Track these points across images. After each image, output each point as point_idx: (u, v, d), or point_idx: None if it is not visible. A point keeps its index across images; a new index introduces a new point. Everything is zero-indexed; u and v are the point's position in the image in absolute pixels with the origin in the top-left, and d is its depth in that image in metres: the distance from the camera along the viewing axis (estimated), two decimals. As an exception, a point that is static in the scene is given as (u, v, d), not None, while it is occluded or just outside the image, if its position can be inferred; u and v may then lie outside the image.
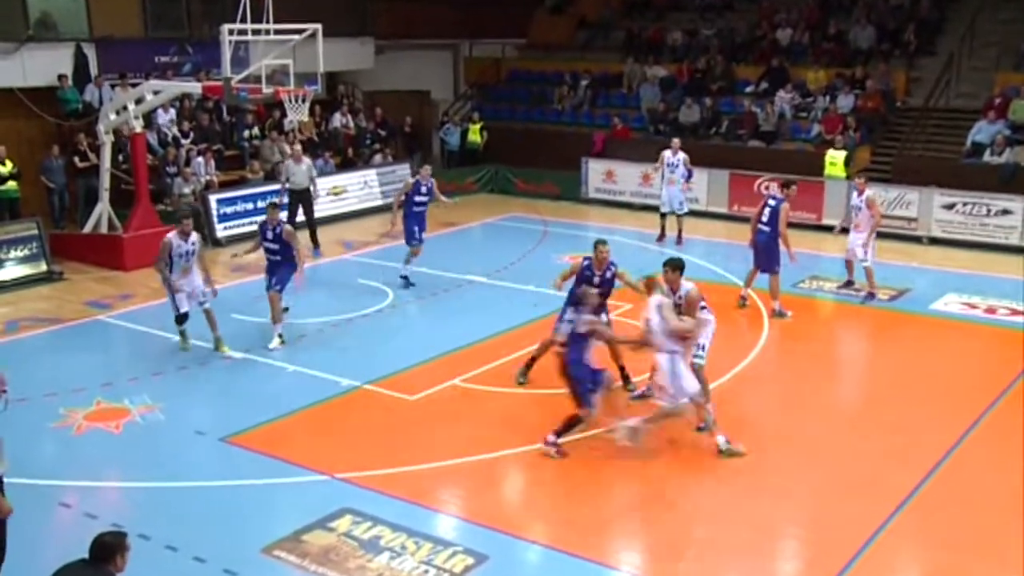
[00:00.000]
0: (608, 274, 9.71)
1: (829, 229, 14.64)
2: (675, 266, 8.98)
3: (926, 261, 15.98)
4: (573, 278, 9.92)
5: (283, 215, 13.70)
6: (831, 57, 21.79)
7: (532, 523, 7.77)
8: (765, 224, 12.76)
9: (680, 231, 16.92)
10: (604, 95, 23.61)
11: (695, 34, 24.03)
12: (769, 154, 19.91)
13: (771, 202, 12.86)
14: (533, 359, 10.31)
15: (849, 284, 13.96)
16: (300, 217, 16.38)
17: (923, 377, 10.62)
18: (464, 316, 12.89)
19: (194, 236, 11.21)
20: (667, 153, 16.81)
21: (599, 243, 9.80)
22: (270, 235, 11.52)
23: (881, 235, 16.84)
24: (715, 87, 22.00)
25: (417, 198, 13.90)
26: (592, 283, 9.61)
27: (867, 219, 13.32)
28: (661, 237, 17.09)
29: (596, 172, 20.51)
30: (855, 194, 13.51)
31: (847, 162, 17.93)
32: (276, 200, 13.41)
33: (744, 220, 18.06)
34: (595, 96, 23.57)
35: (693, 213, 18.67)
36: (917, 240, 17.14)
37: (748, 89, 21.80)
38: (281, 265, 11.49)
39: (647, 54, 23.90)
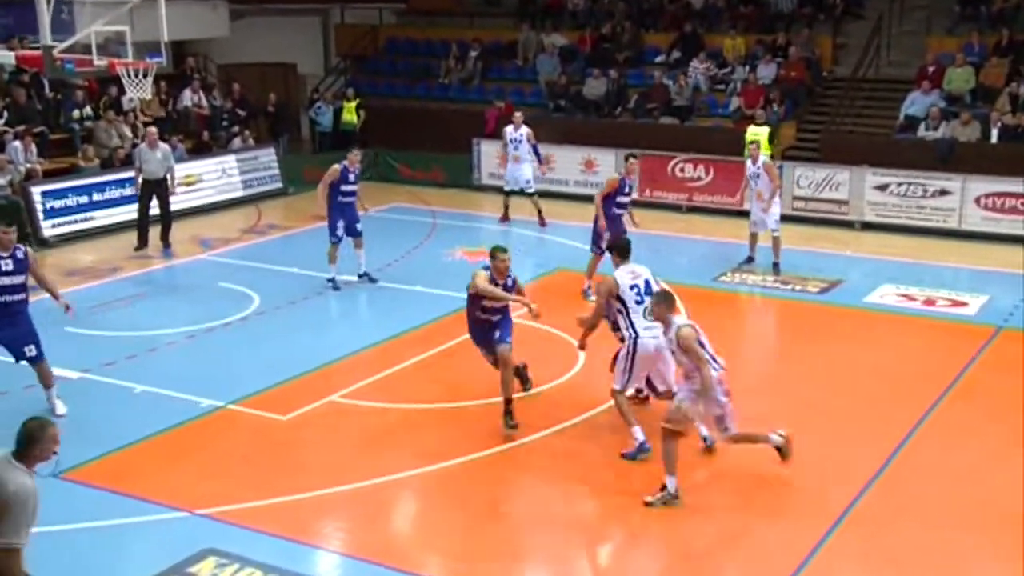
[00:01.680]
0: (509, 282, 9.74)
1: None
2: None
3: (859, 249, 16.64)
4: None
5: None
6: (749, 22, 22.46)
7: (427, 557, 7.77)
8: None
9: (540, 211, 17.59)
10: (497, 67, 23.77)
11: (598, -2, 24.43)
12: (683, 131, 20.39)
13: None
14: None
15: (750, 261, 14.96)
16: (154, 211, 15.99)
17: (858, 378, 11.03)
18: (342, 322, 12.82)
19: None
20: (508, 129, 17.64)
21: (497, 250, 9.69)
22: None
23: (810, 221, 17.68)
24: (622, 57, 22.40)
25: (344, 187, 13.79)
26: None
27: (767, 185, 14.54)
28: (505, 218, 17.95)
29: (489, 155, 20.61)
30: (749, 163, 14.89)
31: (770, 139, 18.54)
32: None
33: (659, 206, 18.61)
34: (486, 68, 23.71)
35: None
36: (849, 225, 17.83)
37: (658, 59, 22.28)
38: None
39: (544, 20, 24.17)
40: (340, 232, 13.84)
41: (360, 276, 14.20)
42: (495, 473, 9.02)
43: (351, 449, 9.41)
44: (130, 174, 17.20)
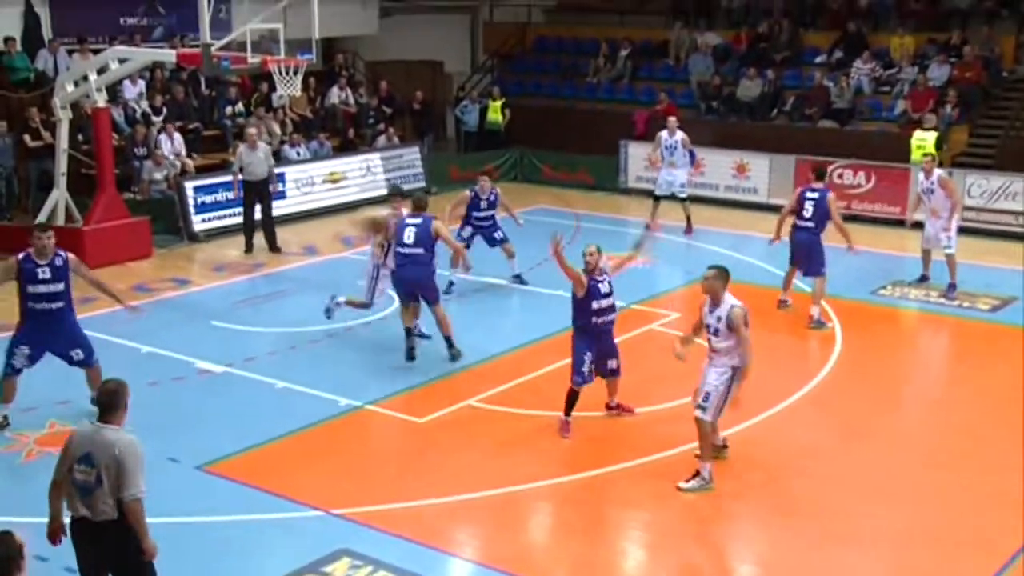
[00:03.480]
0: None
1: (917, 226, 14.62)
2: (720, 274, 8.76)
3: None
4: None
5: None
6: (920, 20, 21.71)
7: (559, 569, 7.78)
8: (808, 220, 12.93)
9: (688, 218, 17.37)
10: (647, 67, 23.64)
11: (756, -5, 24.02)
12: (843, 136, 19.86)
13: (811, 194, 13.01)
14: None
15: (924, 280, 14.28)
16: (257, 215, 16.37)
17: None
18: (482, 325, 12.93)
19: (60, 255, 9.59)
20: (663, 134, 17.36)
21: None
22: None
23: (982, 233, 16.95)
24: (779, 57, 21.97)
25: (476, 213, 14.25)
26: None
27: (943, 202, 13.73)
28: (652, 224, 17.67)
29: (637, 158, 20.51)
30: (922, 176, 13.98)
31: (938, 145, 17.86)
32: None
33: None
34: (636, 68, 23.60)
35: (751, 205, 18.70)
36: (1024, 239, 17.02)
37: (818, 59, 21.78)
38: None
39: (698, 19, 23.91)
40: (465, 234, 14.19)
41: (513, 278, 14.37)
42: (635, 486, 8.96)
43: (487, 455, 9.51)
44: (279, 170, 17.82)
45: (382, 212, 12.18)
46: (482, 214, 14.27)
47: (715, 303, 8.67)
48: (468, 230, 14.33)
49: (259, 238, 16.43)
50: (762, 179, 19.24)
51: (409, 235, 11.33)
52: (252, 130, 16.76)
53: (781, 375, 10.90)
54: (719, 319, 8.61)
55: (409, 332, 11.50)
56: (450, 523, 8.38)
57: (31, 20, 18.34)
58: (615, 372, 9.95)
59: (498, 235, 14.43)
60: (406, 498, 8.62)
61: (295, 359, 11.75)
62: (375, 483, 8.94)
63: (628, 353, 11.95)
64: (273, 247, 16.35)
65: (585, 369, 9.70)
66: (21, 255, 9.55)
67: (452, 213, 14.11)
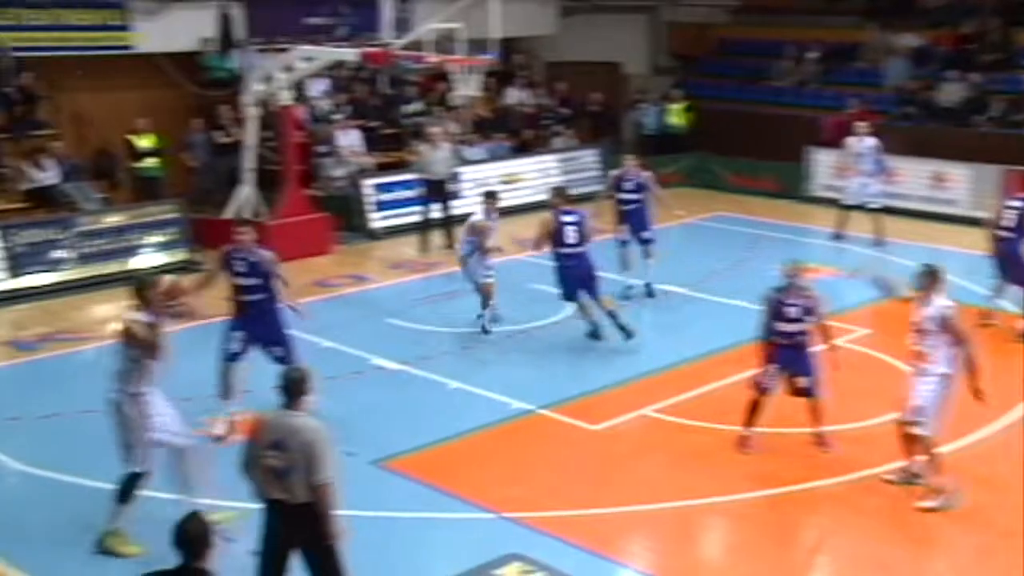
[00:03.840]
0: None
1: None
2: (931, 274, 8.63)
3: None
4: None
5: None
6: None
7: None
8: (1006, 230, 12.57)
9: (878, 229, 16.84)
10: (838, 70, 22.95)
11: (961, -8, 23.00)
12: (1057, 145, 18.79)
13: (1016, 204, 12.59)
14: None
15: None
16: (436, 213, 16.66)
17: None
18: (660, 334, 12.82)
19: (255, 252, 10.01)
20: (853, 140, 16.94)
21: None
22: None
23: None
24: (987, 60, 20.95)
25: (620, 195, 14.06)
26: None
27: None
28: (839, 235, 17.24)
29: (825, 165, 19.95)
30: None
31: None
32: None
33: None
34: (826, 71, 22.95)
35: (948, 218, 17.93)
36: None
37: (1032, 62, 20.67)
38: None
39: (894, 19, 23.04)
40: (624, 236, 14.00)
41: (644, 286, 14.13)
42: (819, 508, 8.74)
43: (662, 466, 9.41)
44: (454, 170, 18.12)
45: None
46: (627, 196, 13.96)
47: (926, 303, 8.46)
48: (624, 228, 14.06)
49: (435, 237, 16.72)
50: (962, 190, 18.38)
51: (569, 234, 11.68)
52: (435, 129, 17.07)
53: (996, 391, 10.38)
54: (930, 319, 8.37)
55: (613, 315, 12.04)
56: (623, 533, 8.33)
57: (225, 21, 19.19)
58: (806, 392, 9.59)
59: (646, 234, 14.07)
60: (579, 505, 8.61)
61: (469, 359, 11.91)
62: (548, 488, 8.96)
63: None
64: (451, 245, 16.61)
65: (766, 380, 9.47)
66: (228, 247, 10.08)
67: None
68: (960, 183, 18.15)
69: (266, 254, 10.00)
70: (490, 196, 13.12)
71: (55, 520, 8.38)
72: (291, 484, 6.29)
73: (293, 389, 6.44)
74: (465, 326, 12.83)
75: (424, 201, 16.65)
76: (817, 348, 9.60)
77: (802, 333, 9.47)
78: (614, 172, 14.39)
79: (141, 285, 7.99)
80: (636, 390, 10.93)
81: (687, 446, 9.80)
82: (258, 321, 10.01)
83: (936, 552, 8.27)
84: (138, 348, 7.79)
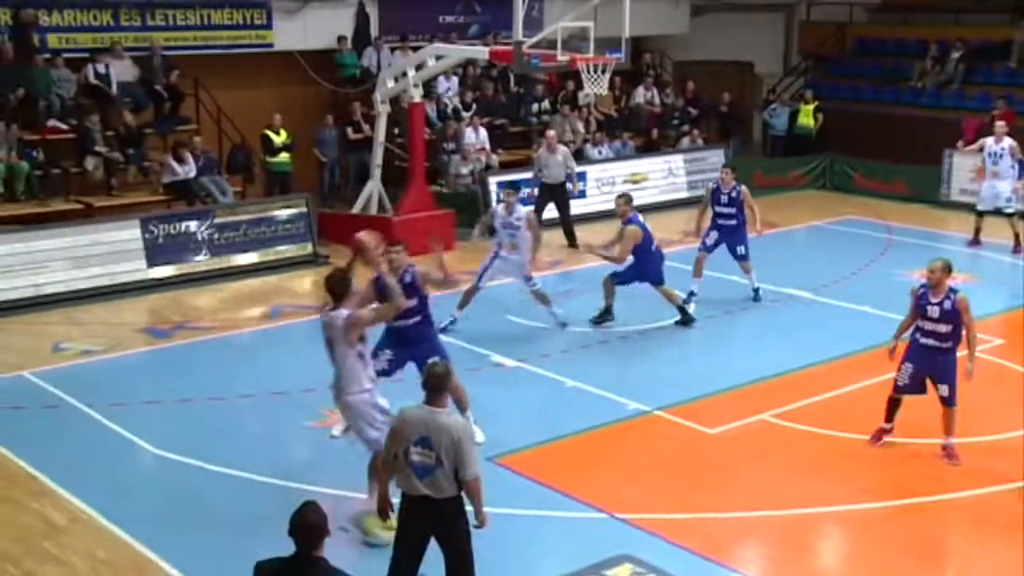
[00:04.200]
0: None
1: None
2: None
3: None
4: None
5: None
6: None
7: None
8: None
9: (1017, 235, 16.27)
10: (984, 70, 22.18)
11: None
12: None
13: None
14: None
15: None
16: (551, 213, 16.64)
17: None
18: (781, 338, 12.62)
19: (410, 271, 9.19)
20: (989, 141, 16.49)
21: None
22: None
23: None
24: None
25: (717, 208, 13.77)
26: None
27: None
28: (975, 241, 16.72)
29: (963, 169, 19.30)
30: None
31: None
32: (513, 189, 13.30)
33: None
34: (970, 71, 22.19)
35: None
36: None
37: None
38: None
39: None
40: (709, 241, 13.72)
41: (753, 290, 13.90)
42: (942, 521, 8.51)
43: (780, 472, 9.28)
44: (581, 169, 18.17)
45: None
46: (723, 209, 13.65)
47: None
48: (713, 235, 13.76)
49: (554, 235, 16.81)
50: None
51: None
52: (551, 132, 17.09)
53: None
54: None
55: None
56: (737, 539, 8.26)
57: (362, 19, 19.61)
58: (944, 400, 9.29)
59: (740, 249, 13.72)
60: (693, 509, 8.56)
61: (586, 359, 11.92)
62: (661, 491, 8.93)
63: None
64: (572, 243, 16.66)
65: (901, 379, 9.34)
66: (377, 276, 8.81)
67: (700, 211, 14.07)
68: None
69: (421, 273, 9.37)
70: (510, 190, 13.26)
71: (183, 503, 8.71)
72: (437, 480, 6.41)
73: (436, 385, 6.53)
74: (584, 325, 12.84)
75: (536, 203, 16.58)
76: (959, 354, 9.34)
77: (944, 336, 9.19)
78: (710, 184, 14.22)
79: (337, 283, 7.80)
80: (754, 394, 10.79)
81: (805, 453, 9.64)
82: (411, 342, 9.40)
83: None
84: (363, 329, 7.78)
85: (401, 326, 9.25)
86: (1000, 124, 16.59)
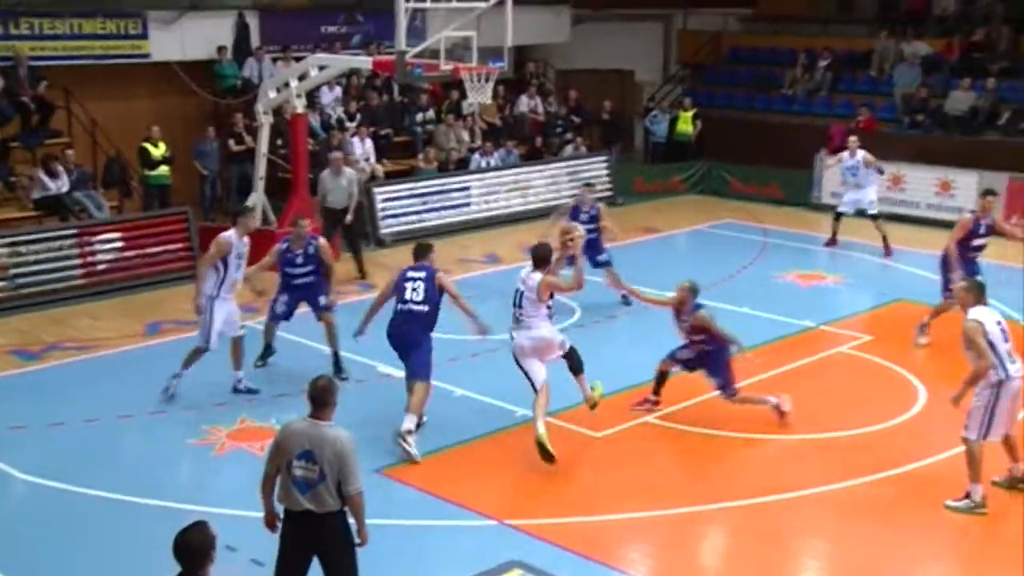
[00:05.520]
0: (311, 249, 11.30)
1: None
2: (978, 287, 8.88)
3: None
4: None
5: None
6: None
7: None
8: None
9: (885, 238, 16.75)
10: (848, 78, 22.92)
11: (972, 0, 22.89)
12: (1064, 154, 18.72)
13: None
14: None
15: None
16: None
17: None
18: (663, 340, 12.72)
19: (312, 241, 11.49)
20: (844, 155, 17.12)
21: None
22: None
23: None
24: (996, 68, 20.86)
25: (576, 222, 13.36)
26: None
27: None
28: (832, 242, 17.31)
29: (832, 173, 19.88)
30: None
31: None
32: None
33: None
34: (836, 79, 22.91)
35: (955, 225, 17.87)
36: None
37: (1041, 70, 20.59)
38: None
39: (906, 27, 23.01)
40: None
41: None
42: (813, 515, 8.71)
43: (664, 473, 9.42)
44: (464, 178, 18.19)
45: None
46: (584, 226, 13.02)
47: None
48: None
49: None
50: (969, 197, 18.23)
51: None
52: (337, 153, 16.17)
53: None
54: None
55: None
56: (624, 541, 8.33)
57: (242, 30, 19.27)
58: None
59: (602, 256, 13.75)
60: (581, 512, 8.62)
61: (474, 367, 11.88)
62: (549, 496, 8.96)
63: (815, 376, 11.68)
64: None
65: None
66: (282, 244, 11.44)
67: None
68: (966, 191, 18.03)
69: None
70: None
71: (59, 532, 8.40)
72: (319, 494, 6.30)
73: (320, 399, 6.43)
74: (471, 333, 12.77)
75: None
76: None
77: (699, 343, 10.30)
78: (570, 202, 14.34)
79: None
80: (638, 396, 10.89)
81: (687, 453, 9.82)
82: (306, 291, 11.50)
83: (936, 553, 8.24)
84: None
85: (300, 282, 11.34)
86: (852, 139, 17.18)
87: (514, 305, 9.79)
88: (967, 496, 8.53)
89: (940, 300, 12.41)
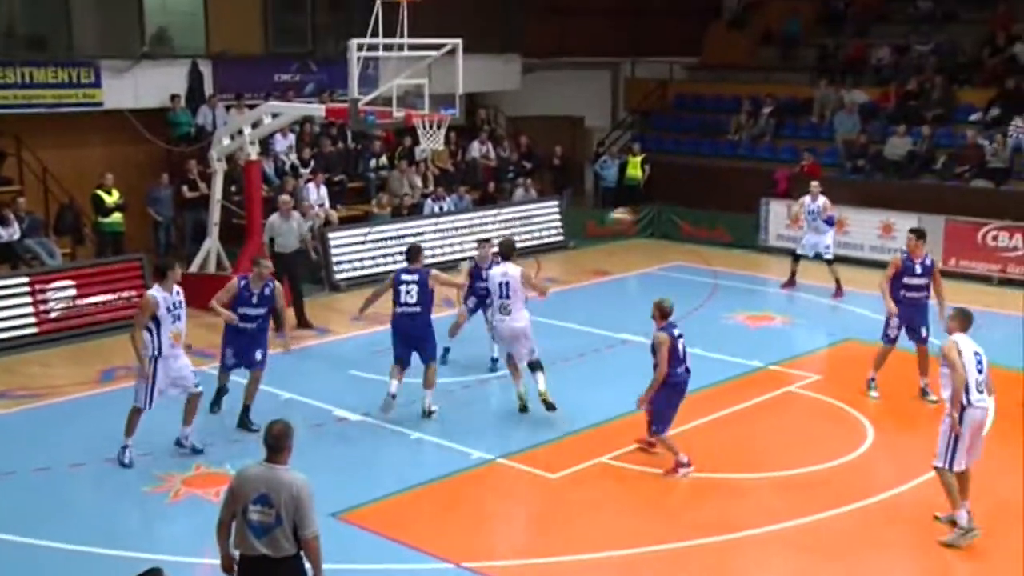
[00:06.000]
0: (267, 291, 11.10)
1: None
2: (964, 316, 8.99)
3: None
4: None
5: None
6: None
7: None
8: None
9: (837, 280, 16.95)
10: (790, 124, 23.34)
11: (906, 51, 23.49)
12: (997, 196, 19.18)
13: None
14: None
15: None
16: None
17: None
18: (616, 382, 12.78)
19: (269, 284, 11.21)
20: (806, 199, 17.28)
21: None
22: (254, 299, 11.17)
23: None
24: (930, 115, 21.38)
25: (479, 283, 12.90)
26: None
27: None
28: (790, 283, 17.49)
29: (778, 216, 20.21)
30: None
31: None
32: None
33: (966, 277, 17.57)
34: (779, 125, 23.32)
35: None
36: None
37: (973, 117, 21.11)
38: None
39: (845, 76, 23.51)
40: (471, 304, 13.20)
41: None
42: (771, 553, 8.76)
43: (618, 514, 9.40)
44: (418, 223, 18.20)
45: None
46: (484, 284, 12.51)
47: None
48: (473, 300, 13.19)
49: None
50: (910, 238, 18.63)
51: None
52: (285, 197, 15.92)
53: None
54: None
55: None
56: (580, 582, 8.30)
57: (195, 78, 19.25)
58: None
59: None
60: (535, 554, 8.59)
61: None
62: (506, 538, 8.94)
63: (765, 415, 11.77)
64: (302, 323, 15.12)
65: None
66: (241, 280, 11.28)
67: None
68: (907, 233, 18.33)
69: (278, 287, 11.29)
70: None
71: None
72: (275, 539, 6.23)
73: (276, 444, 6.37)
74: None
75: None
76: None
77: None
78: (472, 261, 13.39)
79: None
80: (594, 438, 10.92)
81: (641, 493, 9.81)
82: (250, 340, 11.26)
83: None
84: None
85: (246, 326, 11.07)
86: (815, 184, 17.38)
87: (500, 296, 11.30)
88: (954, 525, 8.60)
89: (880, 345, 12.42)
